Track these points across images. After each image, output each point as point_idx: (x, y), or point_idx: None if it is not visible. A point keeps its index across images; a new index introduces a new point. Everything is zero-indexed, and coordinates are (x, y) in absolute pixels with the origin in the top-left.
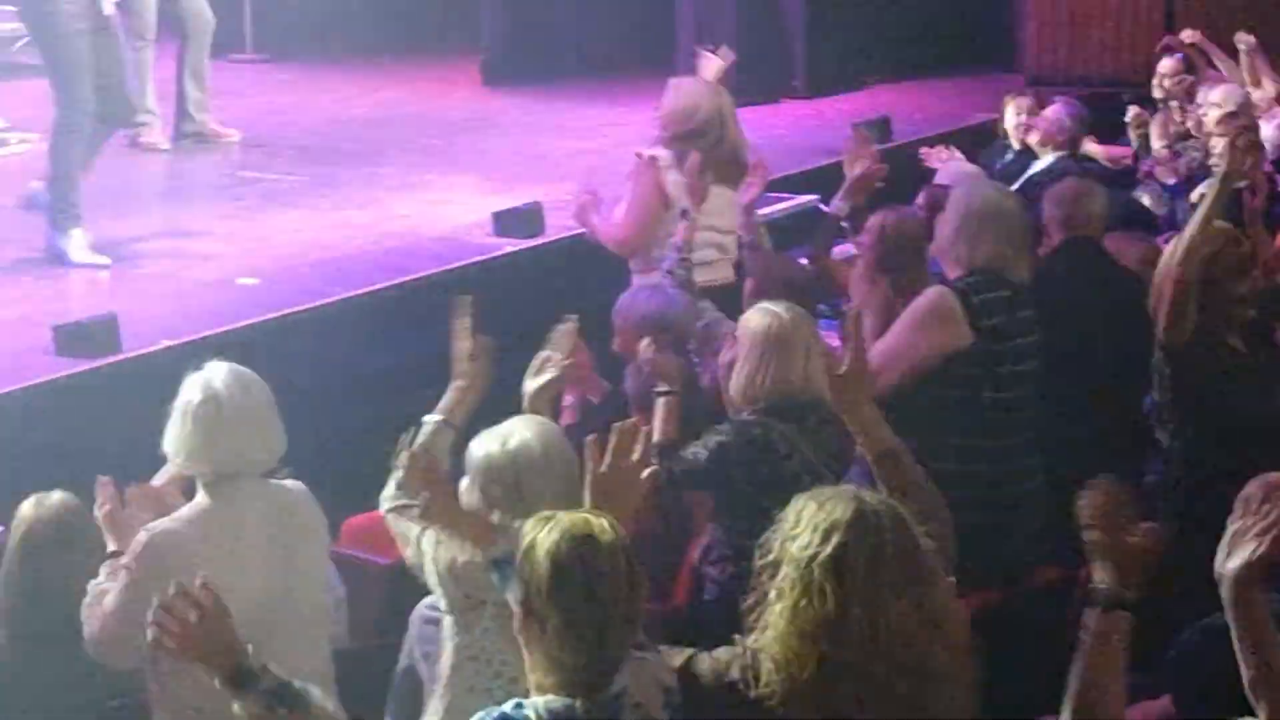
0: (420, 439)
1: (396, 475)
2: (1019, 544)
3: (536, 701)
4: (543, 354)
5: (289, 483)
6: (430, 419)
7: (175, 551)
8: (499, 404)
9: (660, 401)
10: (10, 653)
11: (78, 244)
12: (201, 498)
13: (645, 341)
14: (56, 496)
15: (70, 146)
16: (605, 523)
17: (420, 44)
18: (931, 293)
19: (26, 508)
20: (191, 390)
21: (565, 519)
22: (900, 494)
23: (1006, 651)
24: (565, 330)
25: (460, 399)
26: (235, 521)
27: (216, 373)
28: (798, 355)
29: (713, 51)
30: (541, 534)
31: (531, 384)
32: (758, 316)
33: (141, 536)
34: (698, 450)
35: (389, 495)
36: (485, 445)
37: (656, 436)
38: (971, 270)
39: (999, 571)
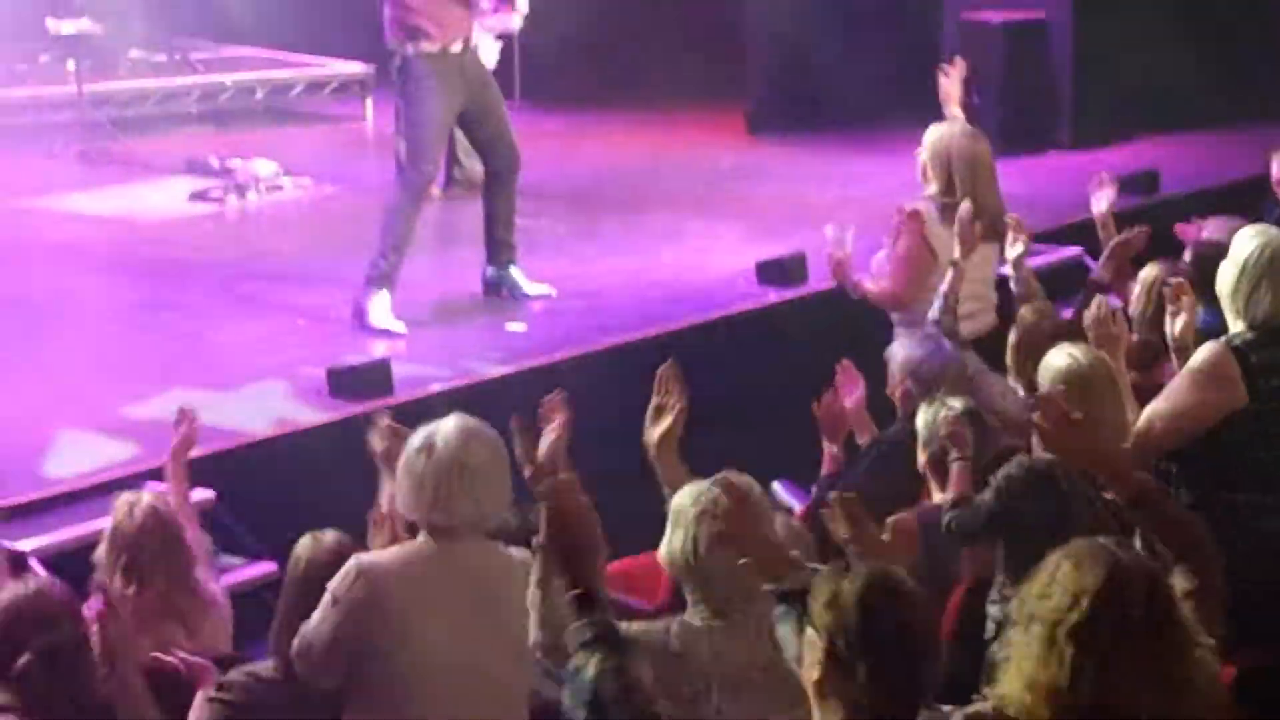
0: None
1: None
2: None
3: None
4: (655, 401)
5: (512, 550)
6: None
7: (376, 586)
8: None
9: (955, 467)
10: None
11: (381, 307)
12: (417, 542)
13: (902, 387)
14: (331, 535)
15: (406, 210)
16: (903, 572)
17: (686, 92)
18: (1208, 352)
19: (303, 546)
20: (413, 439)
21: (867, 568)
22: (1158, 534)
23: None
24: (666, 373)
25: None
26: (441, 574)
27: (442, 425)
28: (1094, 397)
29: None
30: (845, 583)
31: (651, 432)
32: (1058, 357)
33: (349, 565)
34: (985, 495)
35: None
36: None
37: (950, 496)
38: (1251, 325)
39: None
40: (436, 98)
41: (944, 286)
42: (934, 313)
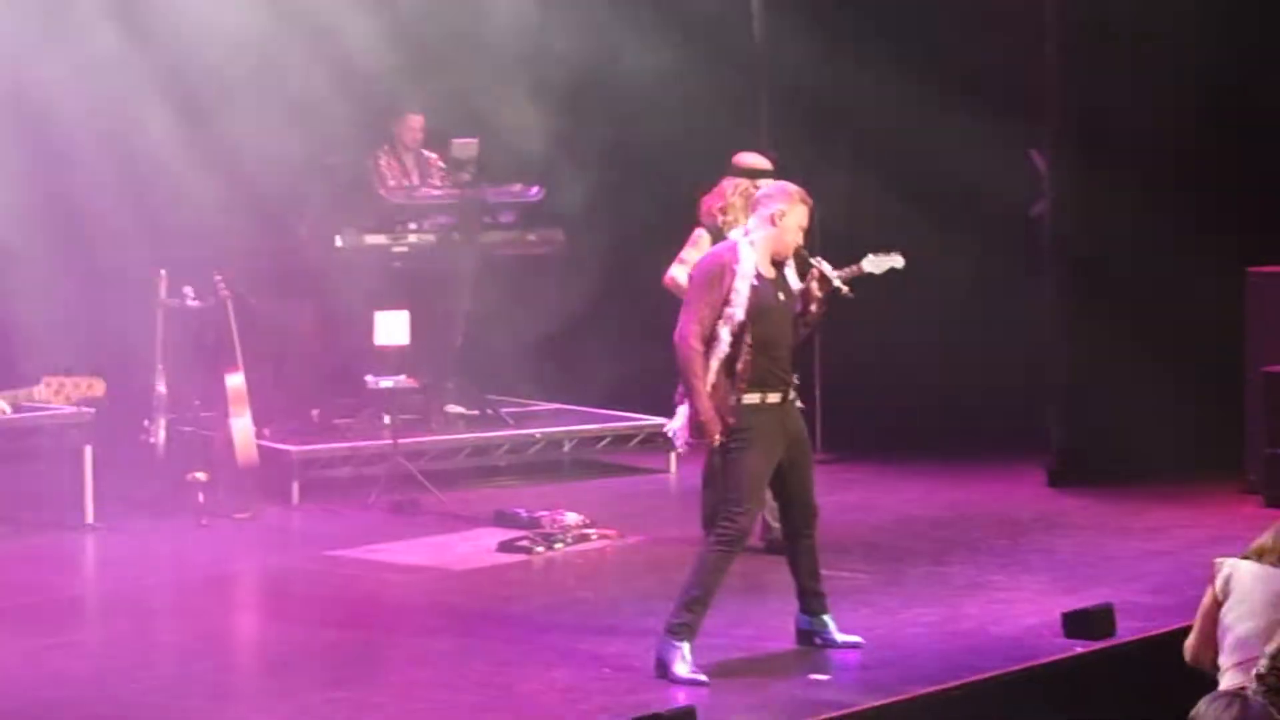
0: None
1: None
2: None
3: None
4: None
5: None
6: None
7: None
8: None
9: None
10: None
11: (683, 660)
12: None
13: None
14: None
15: (720, 561)
16: None
17: (985, 445)
18: None
19: None
20: None
21: None
22: None
23: None
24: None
25: None
26: None
27: None
28: None
29: None
30: None
31: None
32: None
33: None
34: None
35: None
36: None
37: None
38: None
39: None
40: (747, 444)
41: (1272, 646)
42: (1260, 667)
